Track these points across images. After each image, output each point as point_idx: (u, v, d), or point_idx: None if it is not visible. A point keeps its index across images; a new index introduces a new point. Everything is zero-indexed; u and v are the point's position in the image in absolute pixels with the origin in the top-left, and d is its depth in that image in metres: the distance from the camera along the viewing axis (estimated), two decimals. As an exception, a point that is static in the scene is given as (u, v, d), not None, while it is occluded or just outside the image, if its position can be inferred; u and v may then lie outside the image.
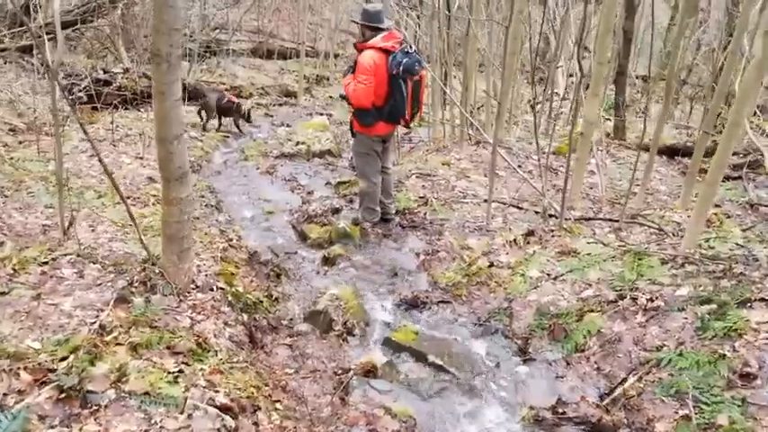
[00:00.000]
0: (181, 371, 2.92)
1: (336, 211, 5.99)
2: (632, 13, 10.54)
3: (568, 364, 3.58)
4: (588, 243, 4.71)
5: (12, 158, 6.29)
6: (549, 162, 7.46)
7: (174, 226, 3.57)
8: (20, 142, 7.14)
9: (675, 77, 9.76)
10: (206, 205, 5.97)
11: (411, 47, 5.15)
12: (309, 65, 17.93)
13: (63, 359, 2.76)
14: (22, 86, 10.32)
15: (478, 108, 10.94)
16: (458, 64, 10.22)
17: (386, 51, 5.05)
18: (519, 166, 7.22)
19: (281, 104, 13.43)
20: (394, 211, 5.87)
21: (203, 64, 15.37)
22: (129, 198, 5.63)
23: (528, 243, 4.92)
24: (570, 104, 10.38)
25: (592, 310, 3.83)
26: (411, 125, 5.60)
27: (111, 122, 7.75)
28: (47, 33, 12.25)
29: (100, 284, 3.57)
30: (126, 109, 9.41)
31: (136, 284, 3.57)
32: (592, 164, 7.64)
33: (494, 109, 9.49)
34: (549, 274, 4.38)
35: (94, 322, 3.09)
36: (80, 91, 9.07)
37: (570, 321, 3.85)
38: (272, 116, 11.51)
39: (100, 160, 3.91)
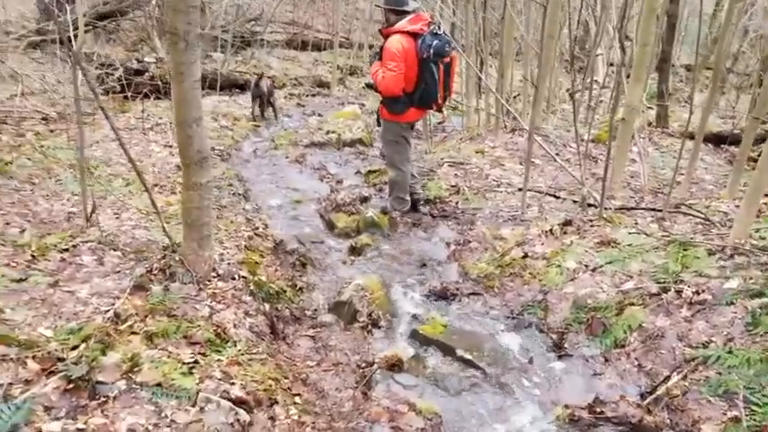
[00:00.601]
0: (196, 362, 2.80)
1: (365, 199, 5.83)
2: (677, -2, 10.12)
3: (607, 360, 3.37)
4: (629, 233, 4.45)
5: (42, 146, 6.28)
6: (589, 150, 7.19)
7: (194, 212, 3.46)
8: (51, 131, 7.15)
9: (722, 64, 9.36)
10: (233, 194, 5.87)
11: (439, 27, 4.97)
12: (343, 56, 17.78)
13: (74, 348, 2.66)
14: (56, 76, 10.45)
15: (515, 96, 10.68)
16: (494, 52, 9.97)
17: (414, 35, 4.87)
18: (557, 155, 6.96)
19: (313, 95, 13.33)
20: (420, 190, 5.72)
21: (238, 55, 15.37)
22: (156, 186, 5.58)
23: (565, 233, 4.68)
24: (611, 91, 10.04)
25: (633, 304, 3.60)
26: (443, 109, 5.40)
27: (142, 111, 7.72)
28: (86, 25, 12.43)
29: (118, 272, 3.48)
30: (158, 98, 9.38)
31: (155, 272, 3.47)
32: (633, 152, 7.33)
33: (531, 96, 9.24)
34: (587, 266, 4.15)
35: (109, 310, 2.99)
36: (113, 81, 9.13)
37: (609, 315, 3.63)
38: (303, 106, 11.40)
39: (122, 147, 3.82)
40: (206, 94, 11.01)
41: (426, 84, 4.98)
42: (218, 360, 2.91)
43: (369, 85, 5.36)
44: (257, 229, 5.09)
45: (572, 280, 4.06)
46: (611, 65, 13.66)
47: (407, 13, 4.95)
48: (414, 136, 6.26)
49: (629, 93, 5.45)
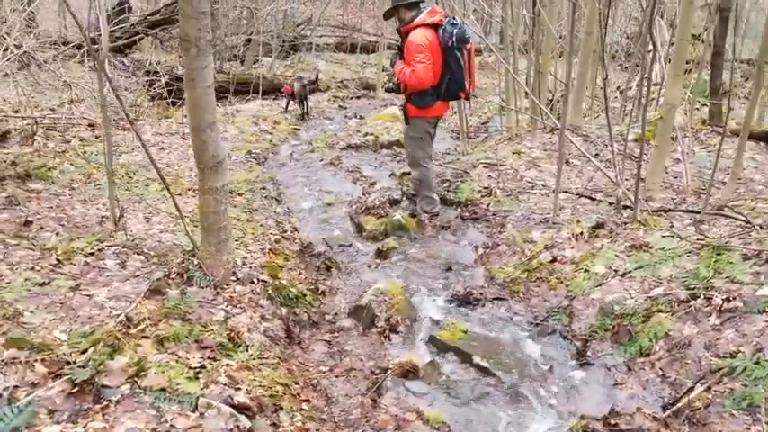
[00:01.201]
0: (203, 366, 2.81)
1: (395, 202, 5.79)
2: (731, -12, 9.70)
3: (630, 369, 3.23)
4: (663, 237, 4.27)
5: (85, 152, 6.48)
6: (631, 150, 6.96)
7: (210, 216, 3.49)
8: (96, 137, 7.37)
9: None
10: (266, 197, 5.93)
11: (455, 18, 5.07)
12: (390, 57, 17.80)
13: (83, 352, 2.70)
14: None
15: (562, 96, 10.45)
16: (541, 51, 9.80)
17: (435, 26, 4.98)
18: (596, 155, 6.76)
19: (358, 97, 13.39)
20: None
21: (286, 60, 15.59)
22: (189, 190, 5.68)
23: (596, 236, 4.53)
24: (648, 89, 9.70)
25: (660, 311, 3.44)
26: (469, 97, 5.47)
27: (183, 116, 7.87)
28: (135, 34, 12.78)
29: (138, 276, 3.54)
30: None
31: (173, 276, 3.52)
32: (678, 152, 7.06)
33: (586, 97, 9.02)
34: (616, 271, 3.99)
35: (122, 314, 3.04)
36: (159, 87, 9.37)
37: (636, 322, 3.48)
38: (345, 108, 11.46)
39: (145, 150, 3.88)
40: (251, 98, 11.21)
41: (453, 72, 5.05)
42: (228, 365, 2.92)
43: (390, 89, 5.36)
44: (285, 232, 5.12)
45: (600, 285, 3.91)
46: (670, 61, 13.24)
47: (418, 7, 5.08)
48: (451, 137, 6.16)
49: (667, 90, 5.24)
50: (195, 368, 2.79)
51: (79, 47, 9.47)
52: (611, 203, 5.33)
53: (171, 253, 3.99)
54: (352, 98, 13.06)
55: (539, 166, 6.51)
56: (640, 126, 7.72)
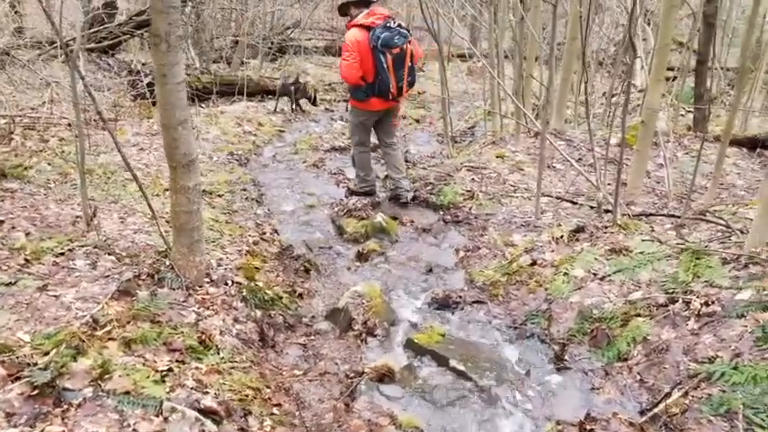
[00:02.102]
0: (171, 370, 2.74)
1: (377, 204, 5.74)
2: (714, -4, 9.73)
3: (607, 374, 3.19)
4: (643, 240, 4.24)
5: (63, 152, 6.38)
6: (613, 154, 6.95)
7: (183, 216, 3.42)
8: (76, 136, 7.26)
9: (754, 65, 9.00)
10: (246, 198, 5.85)
11: (393, 21, 5.34)
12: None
13: (46, 354, 2.62)
14: (91, 84, 10.68)
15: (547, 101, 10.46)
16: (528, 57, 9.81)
17: (367, 27, 5.29)
18: (578, 159, 6.75)
19: (345, 100, 13.30)
20: (408, 188, 6.00)
21: (274, 62, 15.50)
22: (168, 191, 5.57)
23: (576, 240, 4.50)
24: (624, 93, 9.70)
25: (639, 315, 3.41)
26: (398, 99, 5.69)
27: (165, 117, 7.79)
28: (124, 33, 12.69)
29: (108, 276, 3.46)
30: (185, 105, 9.47)
31: (143, 277, 3.44)
32: (661, 157, 7.07)
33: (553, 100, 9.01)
34: (595, 274, 3.96)
35: (88, 315, 2.96)
36: (142, 88, 9.26)
37: (614, 326, 3.44)
38: (332, 111, 11.38)
39: (119, 151, 3.80)
40: (236, 100, 11.13)
41: (379, 73, 5.35)
42: (197, 368, 2.85)
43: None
44: (265, 234, 5.05)
45: (579, 289, 3.88)
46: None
47: (367, 6, 5.42)
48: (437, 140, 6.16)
49: (649, 95, 5.23)
50: (162, 371, 2.71)
51: (61, 46, 9.37)
52: (592, 207, 5.30)
53: (144, 253, 3.91)
54: (339, 101, 13.00)
55: (522, 169, 6.48)
56: (628, 132, 7.74)
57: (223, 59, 14.45)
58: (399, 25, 5.36)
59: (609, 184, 5.43)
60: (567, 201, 5.49)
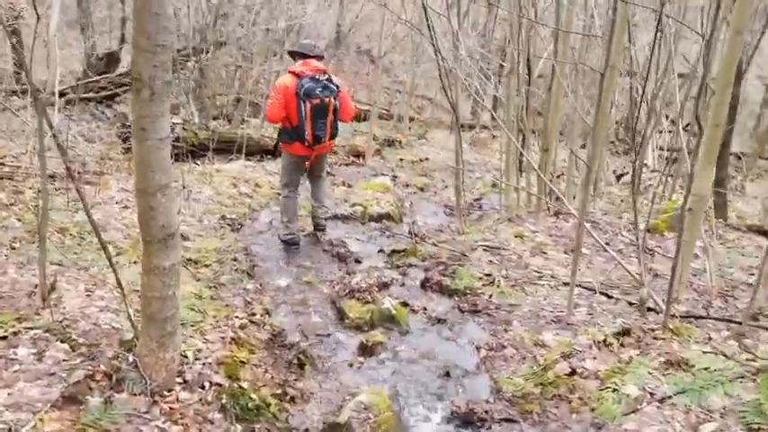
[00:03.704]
0: None
1: (384, 285, 5.06)
2: (740, 76, 9.38)
3: None
4: (704, 353, 3.57)
5: (36, 206, 5.72)
6: (644, 241, 6.35)
7: (154, 303, 2.74)
8: (56, 189, 6.63)
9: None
10: (236, 270, 5.17)
11: (324, 75, 5.63)
12: (383, 127, 17.47)
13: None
14: (83, 134, 10.16)
15: (558, 176, 9.96)
16: (536, 129, 9.37)
17: (298, 75, 5.57)
18: (607, 244, 6.13)
19: (347, 164, 12.85)
20: (324, 219, 6.47)
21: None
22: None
23: (621, 345, 3.82)
24: (661, 176, 9.23)
25: (718, 457, 2.71)
26: (315, 148, 5.82)
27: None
28: (123, 85, 12.27)
29: (53, 374, 2.75)
30: (179, 160, 8.90)
31: (98, 377, 2.74)
32: (697, 246, 6.47)
33: (575, 178, 8.48)
34: (652, 394, 3.26)
35: (15, 434, 2.25)
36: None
37: (686, 469, 2.73)
38: (333, 175, 10.82)
39: (86, 211, 3.16)
40: (234, 158, 10.59)
41: (299, 119, 5.59)
42: None
43: None
44: (254, 315, 4.36)
45: (633, 412, 3.17)
46: (661, 149, 12.91)
47: (305, 58, 5.71)
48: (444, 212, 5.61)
49: (697, 179, 4.64)
50: None
51: (60, 94, 8.88)
52: (631, 304, 4.65)
53: (106, 340, 3.21)
54: (340, 164, 12.51)
55: (544, 252, 5.85)
56: (654, 216, 7.17)
57: (224, 116, 14.04)
58: (329, 79, 5.66)
59: (645, 277, 4.80)
60: (602, 294, 4.83)
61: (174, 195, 2.66)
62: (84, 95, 12.01)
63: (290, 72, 5.69)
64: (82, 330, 3.30)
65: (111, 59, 13.54)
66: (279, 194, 7.95)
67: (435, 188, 11.74)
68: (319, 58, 5.87)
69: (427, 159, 15.77)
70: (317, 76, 5.56)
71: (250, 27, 13.30)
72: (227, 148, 10.69)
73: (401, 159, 14.93)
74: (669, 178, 9.10)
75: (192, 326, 3.71)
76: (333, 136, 5.87)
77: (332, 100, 5.64)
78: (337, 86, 5.71)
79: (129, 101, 13.25)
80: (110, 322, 3.50)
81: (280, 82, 5.64)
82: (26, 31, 10.70)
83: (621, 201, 9.52)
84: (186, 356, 3.19)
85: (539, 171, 5.53)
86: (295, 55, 5.91)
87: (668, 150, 11.06)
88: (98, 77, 12.11)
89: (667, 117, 12.51)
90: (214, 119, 13.35)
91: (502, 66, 11.93)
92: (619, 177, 13.05)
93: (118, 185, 6.88)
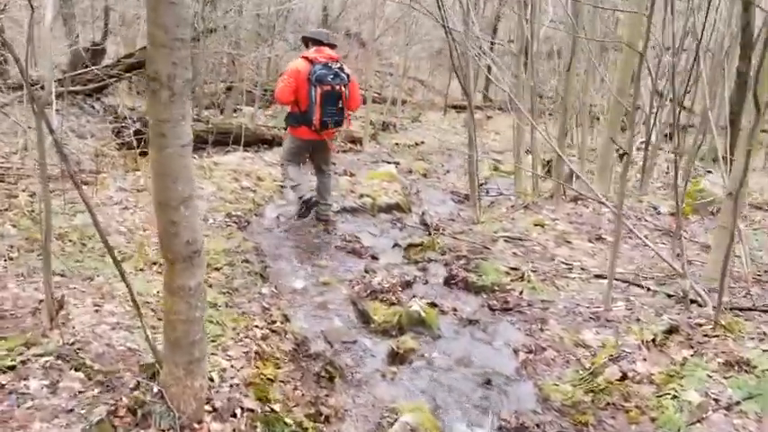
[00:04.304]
0: None
1: (408, 284, 4.80)
2: (749, 51, 9.11)
3: None
4: (764, 351, 3.34)
5: (32, 211, 5.41)
6: (670, 226, 6.12)
7: (179, 327, 2.46)
8: (51, 191, 6.30)
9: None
10: (248, 272, 4.89)
11: (336, 63, 5.71)
12: (376, 111, 17.14)
13: None
14: (73, 129, 9.78)
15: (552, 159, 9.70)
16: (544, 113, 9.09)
17: (311, 61, 5.67)
18: (630, 231, 5.89)
19: (344, 151, 12.52)
20: (331, 214, 6.47)
21: (269, 109, 14.75)
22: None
23: (670, 344, 3.59)
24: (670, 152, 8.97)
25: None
26: (322, 134, 5.97)
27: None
28: (111, 77, 11.87)
29: (71, 410, 2.47)
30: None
31: (122, 412, 2.46)
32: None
33: (591, 159, 8.22)
34: (716, 400, 3.03)
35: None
36: (129, 135, 8.35)
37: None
38: (334, 164, 10.49)
39: (92, 216, 2.85)
40: (231, 150, 10.25)
41: (309, 104, 5.69)
42: None
43: None
44: (274, 323, 4.09)
45: (698, 422, 2.94)
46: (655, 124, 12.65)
47: (318, 45, 5.84)
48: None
49: (738, 162, 4.40)
50: None
51: (28, 91, 8.48)
52: (669, 296, 4.42)
53: (123, 365, 2.94)
54: (338, 152, 12.17)
55: (569, 242, 5.60)
56: (674, 197, 6.93)
57: (215, 106, 13.67)
58: (341, 68, 5.75)
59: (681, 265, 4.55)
60: (636, 285, 4.60)
61: (197, 207, 2.37)
62: (72, 89, 11.63)
63: (302, 57, 5.76)
64: (95, 354, 3.02)
65: (97, 51, 13.14)
66: (282, 186, 7.72)
67: (437, 173, 11.47)
68: (332, 46, 5.95)
69: (423, 143, 15.50)
70: (329, 64, 5.65)
71: (239, 13, 12.92)
72: (223, 139, 10.36)
73: (397, 144, 14.66)
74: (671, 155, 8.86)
75: (213, 341, 3.44)
76: (339, 123, 5.98)
77: (342, 88, 5.74)
78: (348, 75, 5.79)
79: (118, 92, 12.94)
80: (124, 342, 3.22)
81: (292, 66, 5.78)
82: (9, 25, 10.31)
83: (634, 183, 9.28)
84: (212, 379, 2.92)
85: (562, 155, 5.26)
86: (308, 41, 6.01)
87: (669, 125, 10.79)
88: (85, 70, 11.69)
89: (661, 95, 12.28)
90: (206, 109, 13.00)
91: (493, 44, 11.60)
92: (621, 156, 12.83)
93: (116, 184, 6.56)
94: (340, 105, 5.81)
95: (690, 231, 6.12)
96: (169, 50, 2.05)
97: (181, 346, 2.49)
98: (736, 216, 4.53)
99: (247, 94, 13.93)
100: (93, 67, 11.95)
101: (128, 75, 11.96)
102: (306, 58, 5.74)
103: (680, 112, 4.62)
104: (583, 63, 7.90)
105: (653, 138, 12.45)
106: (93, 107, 12.15)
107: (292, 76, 5.69)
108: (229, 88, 13.92)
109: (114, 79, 11.93)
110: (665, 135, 10.31)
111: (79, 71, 11.75)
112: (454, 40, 5.96)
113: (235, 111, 13.75)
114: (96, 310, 3.64)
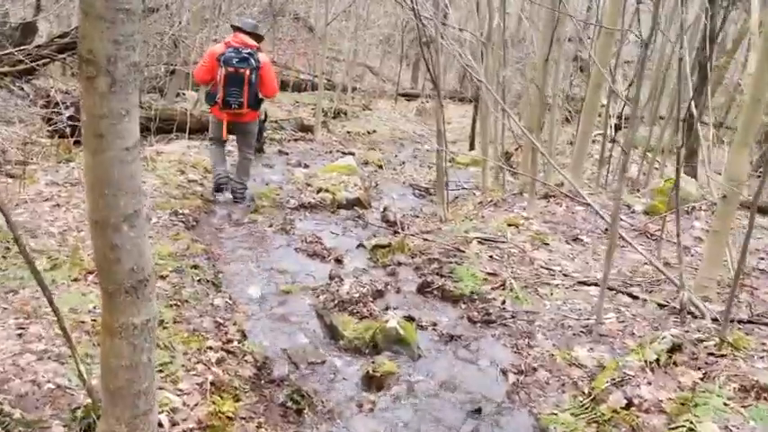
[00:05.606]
0: None
1: (379, 293, 4.36)
2: (713, 45, 8.99)
3: None
4: (779, 373, 3.05)
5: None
6: (646, 226, 5.87)
7: (121, 375, 1.95)
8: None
9: None
10: (199, 280, 4.36)
11: (246, 49, 6.01)
12: (326, 98, 16.61)
13: None
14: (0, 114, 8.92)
15: (516, 149, 9.38)
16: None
17: (226, 45, 6.06)
18: (605, 230, 5.60)
19: (296, 140, 11.95)
20: (244, 191, 6.67)
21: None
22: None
23: (676, 365, 3.26)
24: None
25: None
26: (228, 113, 6.18)
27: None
28: (43, 57, 10.98)
29: (-20, 482, 1.94)
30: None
31: (46, 484, 1.95)
32: (696, 228, 6.06)
33: (561, 151, 7.90)
34: (738, 435, 2.71)
35: None
36: (62, 122, 7.59)
37: None
38: (287, 154, 9.97)
39: (8, 221, 2.30)
40: (174, 138, 9.58)
41: (217, 84, 6.06)
42: None
43: None
44: (230, 342, 3.60)
45: (723, 460, 2.61)
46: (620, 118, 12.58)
47: (242, 31, 6.17)
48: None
49: (732, 162, 4.12)
50: None
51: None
52: (660, 305, 4.13)
53: (52, 409, 2.40)
54: (290, 140, 11.62)
55: (546, 243, 5.27)
56: (648, 195, 6.69)
57: (156, 90, 12.86)
58: (251, 54, 6.03)
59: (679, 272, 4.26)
60: (624, 293, 4.29)
61: (145, 225, 1.86)
62: (0, 70, 10.71)
63: (222, 42, 6.26)
64: (16, 395, 2.48)
65: (28, 29, 12.18)
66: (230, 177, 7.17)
67: (392, 164, 11.07)
68: (257, 36, 6.34)
69: (375, 131, 15.12)
70: (240, 48, 6.03)
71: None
72: (166, 127, 9.66)
73: (348, 132, 14.25)
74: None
75: (161, 371, 2.93)
76: (249, 106, 6.15)
77: (247, 72, 6.02)
78: (258, 61, 6.09)
79: (51, 74, 12.01)
80: (53, 377, 2.68)
81: (210, 49, 6.46)
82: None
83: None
84: (161, 424, 2.42)
85: (542, 150, 4.89)
86: (235, 29, 6.37)
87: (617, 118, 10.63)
88: (14, 50, 10.75)
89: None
90: (146, 92, 12.20)
91: (461, 30, 11.21)
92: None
93: (46, 177, 5.88)
94: (247, 89, 6.06)
95: (667, 231, 5.88)
96: (110, 24, 1.54)
97: (123, 397, 1.98)
98: (730, 221, 4.28)
99: (190, 77, 13.16)
100: (23, 47, 11.03)
101: (61, 56, 11.07)
102: (225, 41, 6.20)
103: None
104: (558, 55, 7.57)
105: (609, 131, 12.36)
106: (22, 89, 11.22)
107: (207, 57, 6.21)
108: (172, 72, 13.10)
109: (47, 60, 11.05)
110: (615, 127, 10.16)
111: (7, 51, 10.82)
112: (425, 27, 5.51)
113: (177, 95, 12.98)
114: (20, 334, 3.07)
